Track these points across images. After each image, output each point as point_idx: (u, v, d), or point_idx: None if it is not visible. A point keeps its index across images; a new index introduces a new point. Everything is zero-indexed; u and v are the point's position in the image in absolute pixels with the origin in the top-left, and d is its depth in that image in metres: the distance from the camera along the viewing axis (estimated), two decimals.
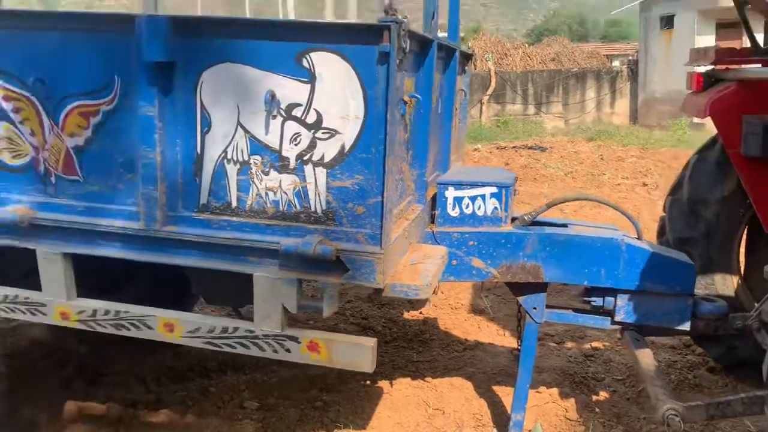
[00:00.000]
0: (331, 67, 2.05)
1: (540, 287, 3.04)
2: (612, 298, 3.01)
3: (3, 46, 2.25)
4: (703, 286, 3.56)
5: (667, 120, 17.35)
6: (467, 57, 3.84)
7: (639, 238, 3.02)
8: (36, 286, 2.48)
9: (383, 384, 3.90)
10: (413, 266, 2.34)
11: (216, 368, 4.08)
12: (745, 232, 3.77)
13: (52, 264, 2.33)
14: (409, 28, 2.04)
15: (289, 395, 3.72)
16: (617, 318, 3.03)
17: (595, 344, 4.44)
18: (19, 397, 3.29)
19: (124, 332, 2.36)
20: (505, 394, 3.80)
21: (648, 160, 11.80)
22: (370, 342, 2.19)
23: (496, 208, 2.93)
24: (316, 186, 2.15)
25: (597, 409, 3.61)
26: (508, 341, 4.53)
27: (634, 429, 3.40)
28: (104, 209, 2.26)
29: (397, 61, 2.00)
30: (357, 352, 2.19)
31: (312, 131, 2.12)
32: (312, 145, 2.13)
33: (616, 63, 22.93)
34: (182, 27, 2.11)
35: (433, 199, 2.93)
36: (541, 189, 9.37)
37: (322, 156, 2.13)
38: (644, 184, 9.74)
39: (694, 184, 3.70)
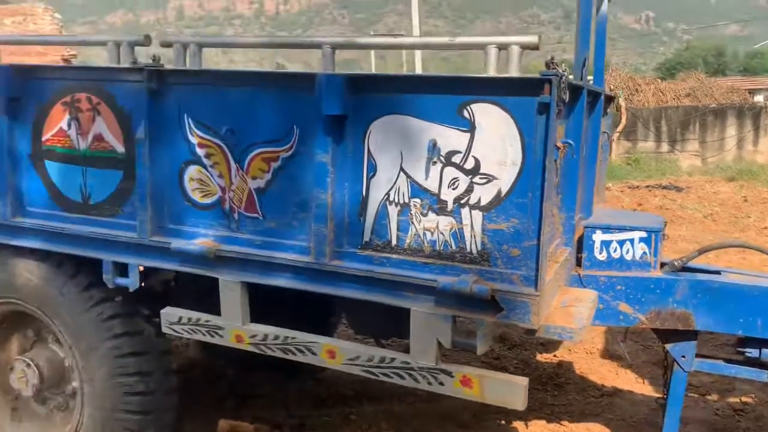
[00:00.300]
0: (490, 117, 2.19)
1: (690, 335, 2.96)
2: None
3: (200, 101, 2.60)
4: None
5: None
6: (609, 99, 3.86)
7: None
8: (203, 310, 2.78)
9: (518, 425, 3.90)
10: (565, 309, 2.39)
11: (353, 397, 4.27)
12: None
13: (232, 291, 2.61)
14: (568, 80, 2.14)
15: (426, 428, 3.83)
16: None
17: (744, 399, 4.19)
18: (181, 411, 3.63)
19: (290, 356, 2.58)
20: None
21: None
22: (524, 381, 2.26)
23: (644, 252, 2.91)
24: (472, 228, 2.27)
25: None
26: (648, 389, 4.37)
27: None
28: (280, 244, 2.52)
29: (556, 111, 2.11)
30: (509, 390, 2.26)
31: (470, 176, 2.26)
32: (469, 190, 2.26)
33: (759, 98, 21.49)
34: (355, 84, 2.34)
35: (579, 241, 2.97)
36: (679, 232, 8.94)
37: (479, 200, 2.26)
38: None
39: None
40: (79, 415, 3.13)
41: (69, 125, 2.85)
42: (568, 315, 2.31)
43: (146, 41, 2.85)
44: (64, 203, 2.93)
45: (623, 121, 18.24)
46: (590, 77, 3.38)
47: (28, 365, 3.15)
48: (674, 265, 2.98)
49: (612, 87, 17.78)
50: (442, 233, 2.33)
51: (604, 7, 3.54)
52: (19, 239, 3.00)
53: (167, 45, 2.93)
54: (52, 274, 3.00)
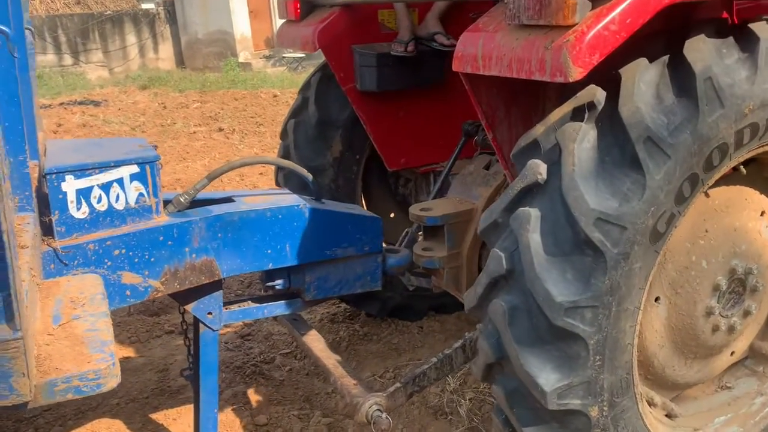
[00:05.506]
0: None
1: (214, 286, 2.32)
2: (299, 276, 2.49)
3: None
4: None
5: (214, 61, 17.29)
6: None
7: (318, 198, 2.53)
8: None
9: None
10: (66, 329, 1.34)
11: None
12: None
13: None
14: None
15: None
16: (309, 297, 2.53)
17: (246, 323, 3.88)
18: None
19: None
20: (170, 419, 3.01)
21: (212, 104, 11.45)
22: None
23: (141, 194, 2.04)
24: None
25: (283, 399, 3.12)
26: (143, 349, 3.65)
27: (331, 408, 3.03)
28: None
29: None
30: None
31: None
32: None
33: (150, 5, 21.67)
34: None
35: (41, 198, 1.87)
36: None
37: None
38: (220, 129, 9.37)
39: (300, 154, 3.21)
40: None
41: None
42: (79, 344, 1.29)
43: None
44: None
45: None
46: None
47: None
48: (181, 202, 2.21)
49: None
50: None
51: None
52: None
53: None
54: None
